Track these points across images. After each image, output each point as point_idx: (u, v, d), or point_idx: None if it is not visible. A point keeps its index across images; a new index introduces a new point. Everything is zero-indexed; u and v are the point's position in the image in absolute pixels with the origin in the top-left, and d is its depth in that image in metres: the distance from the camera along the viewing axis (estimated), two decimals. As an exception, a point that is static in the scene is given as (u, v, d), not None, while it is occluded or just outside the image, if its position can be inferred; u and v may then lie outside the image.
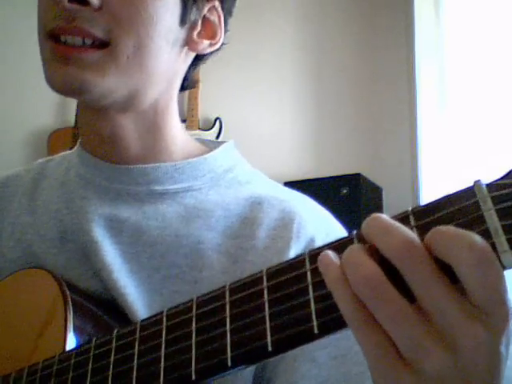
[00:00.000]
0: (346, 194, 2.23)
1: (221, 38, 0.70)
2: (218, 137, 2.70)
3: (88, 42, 0.60)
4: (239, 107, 2.77)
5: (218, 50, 0.72)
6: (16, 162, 2.78)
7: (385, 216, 0.37)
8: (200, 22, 0.67)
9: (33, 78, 2.86)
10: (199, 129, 2.70)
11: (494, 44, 2.04)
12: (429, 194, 2.16)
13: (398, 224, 0.36)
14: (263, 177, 0.74)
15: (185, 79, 0.72)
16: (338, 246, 0.39)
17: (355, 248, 0.36)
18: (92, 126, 0.68)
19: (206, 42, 0.69)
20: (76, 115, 2.71)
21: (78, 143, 0.74)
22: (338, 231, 0.69)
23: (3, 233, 0.72)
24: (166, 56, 0.65)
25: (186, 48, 0.68)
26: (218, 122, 2.72)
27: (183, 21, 0.65)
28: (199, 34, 0.68)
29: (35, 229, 0.69)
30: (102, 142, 0.68)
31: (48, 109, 2.85)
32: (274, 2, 2.80)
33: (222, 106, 2.77)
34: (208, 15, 0.68)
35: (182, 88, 0.73)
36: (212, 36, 0.69)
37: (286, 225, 0.64)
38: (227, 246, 0.64)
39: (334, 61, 2.72)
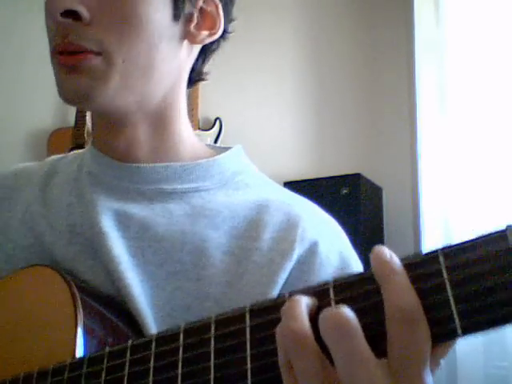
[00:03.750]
0: (346, 194, 2.23)
1: (220, 27, 0.70)
2: (217, 137, 2.70)
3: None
4: (239, 107, 2.77)
5: (223, 38, 0.73)
6: (16, 162, 2.77)
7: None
8: (197, 15, 0.68)
9: (33, 78, 2.87)
10: (199, 129, 2.70)
11: (494, 44, 2.04)
12: (429, 195, 2.16)
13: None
14: (271, 181, 0.76)
15: (192, 71, 0.73)
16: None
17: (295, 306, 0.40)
18: (106, 136, 0.70)
19: (205, 33, 0.69)
20: (76, 115, 2.71)
21: (90, 142, 0.75)
22: (341, 237, 0.71)
23: (13, 220, 0.72)
24: (163, 53, 0.66)
25: (186, 41, 0.68)
26: (218, 122, 2.72)
27: (176, 16, 0.65)
28: (197, 26, 0.68)
29: (47, 220, 0.70)
30: (114, 145, 0.70)
31: (48, 109, 2.85)
32: (274, 3, 2.80)
33: (222, 106, 2.77)
34: (205, 6, 0.69)
35: (190, 82, 0.74)
36: (211, 26, 0.70)
37: (290, 227, 0.65)
38: (232, 246, 0.65)
39: (333, 60, 2.72)
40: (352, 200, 2.21)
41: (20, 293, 0.64)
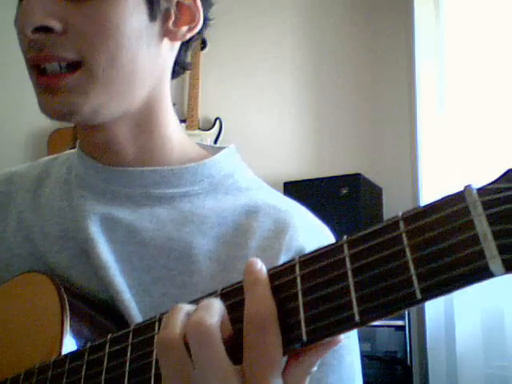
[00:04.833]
0: (345, 194, 2.23)
1: (199, 19, 0.68)
2: (217, 137, 2.70)
3: (63, 64, 0.60)
4: (239, 107, 2.77)
5: (205, 25, 0.70)
6: (16, 162, 2.77)
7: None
8: (174, 10, 0.66)
9: (33, 77, 2.87)
10: (199, 129, 2.70)
11: (494, 44, 2.04)
12: (429, 194, 2.16)
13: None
14: (263, 184, 0.74)
15: (176, 64, 0.71)
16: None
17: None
18: (86, 135, 0.69)
19: (184, 29, 0.67)
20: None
21: (78, 143, 0.74)
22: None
23: (8, 228, 0.72)
24: (144, 55, 0.64)
25: (166, 39, 0.67)
26: (217, 122, 2.72)
27: (153, 16, 0.64)
28: (176, 22, 0.66)
29: (39, 226, 0.69)
30: (99, 148, 0.69)
31: (48, 109, 2.85)
32: (274, 3, 2.81)
33: (222, 106, 2.77)
34: (181, 0, 0.66)
35: (174, 73, 0.72)
36: (190, 20, 0.67)
37: (277, 235, 0.64)
38: (219, 252, 0.64)
39: (333, 60, 2.72)
40: (352, 200, 2.21)
41: (12, 299, 0.64)
